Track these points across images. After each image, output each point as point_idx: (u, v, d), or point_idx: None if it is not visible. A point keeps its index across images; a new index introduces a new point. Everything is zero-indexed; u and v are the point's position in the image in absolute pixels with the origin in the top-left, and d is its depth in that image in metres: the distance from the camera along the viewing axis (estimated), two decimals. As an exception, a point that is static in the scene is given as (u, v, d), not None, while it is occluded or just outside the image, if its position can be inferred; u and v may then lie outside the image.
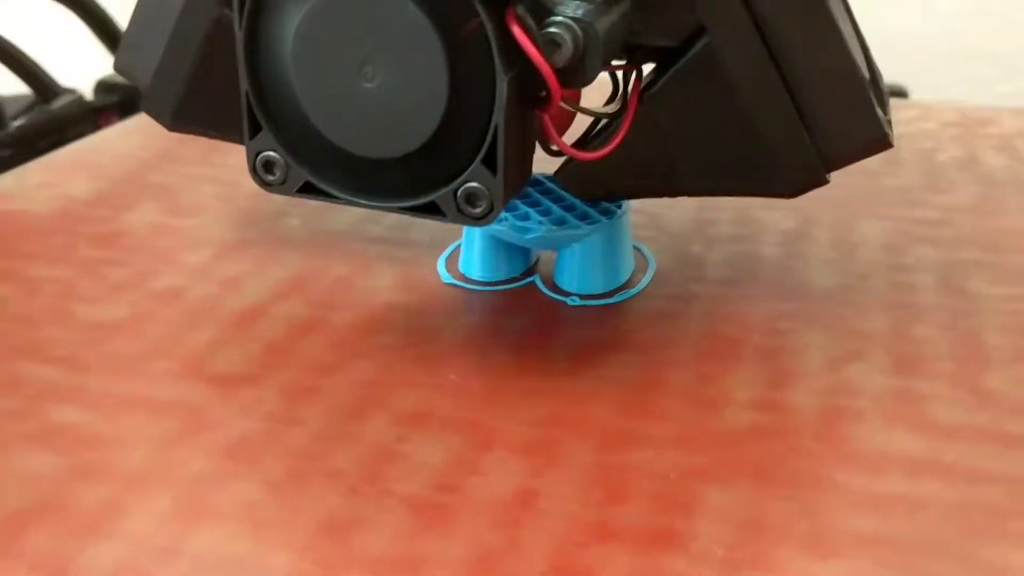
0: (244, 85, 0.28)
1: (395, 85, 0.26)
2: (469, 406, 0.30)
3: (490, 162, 0.26)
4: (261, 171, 0.29)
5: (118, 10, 0.80)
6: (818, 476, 0.27)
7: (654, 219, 0.42)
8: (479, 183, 0.27)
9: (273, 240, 0.41)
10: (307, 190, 0.29)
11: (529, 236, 0.35)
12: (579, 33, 0.25)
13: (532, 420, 0.29)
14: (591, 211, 0.36)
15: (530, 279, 0.37)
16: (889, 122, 0.32)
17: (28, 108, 0.62)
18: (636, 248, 0.39)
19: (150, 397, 0.30)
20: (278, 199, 0.45)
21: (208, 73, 0.32)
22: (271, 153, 0.29)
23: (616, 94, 0.34)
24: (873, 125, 0.30)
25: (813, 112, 0.30)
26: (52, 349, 0.33)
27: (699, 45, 0.30)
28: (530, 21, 0.25)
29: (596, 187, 0.34)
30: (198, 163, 0.50)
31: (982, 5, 1.11)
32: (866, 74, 0.31)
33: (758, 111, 0.30)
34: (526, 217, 0.36)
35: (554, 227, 0.35)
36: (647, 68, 0.32)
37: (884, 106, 0.33)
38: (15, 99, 0.66)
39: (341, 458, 0.28)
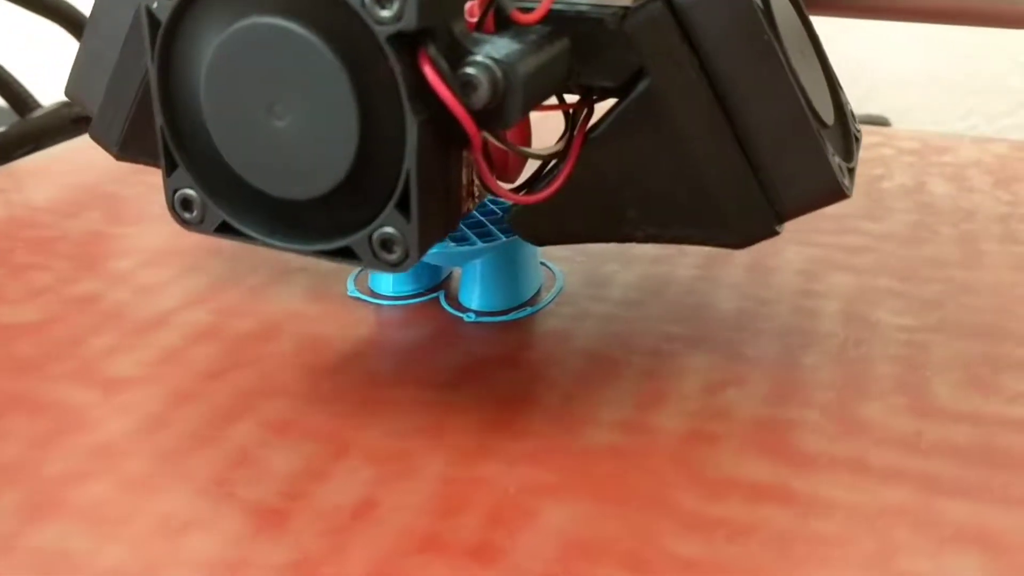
0: (159, 120, 0.28)
1: (305, 125, 0.25)
2: (335, 416, 0.30)
3: (404, 207, 0.26)
4: (179, 209, 0.29)
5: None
6: (658, 498, 0.27)
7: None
8: (394, 228, 0.26)
9: (203, 249, 0.42)
10: (225, 229, 0.28)
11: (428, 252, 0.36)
12: (498, 75, 0.24)
13: (393, 432, 0.30)
14: (494, 229, 0.37)
15: (435, 295, 0.38)
16: (851, 170, 0.30)
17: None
18: (547, 266, 0.40)
19: (34, 397, 0.31)
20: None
21: (151, 107, 0.32)
22: (189, 191, 0.28)
23: (565, 133, 0.32)
24: (825, 175, 0.29)
25: (762, 160, 0.29)
26: (-44, 348, 0.34)
27: (640, 87, 0.29)
28: (443, 62, 0.24)
29: (543, 231, 0.32)
30: (156, 174, 0.51)
31: (996, 42, 1.10)
32: (824, 120, 0.30)
33: (704, 158, 0.29)
34: (430, 233, 0.37)
35: (452, 244, 0.36)
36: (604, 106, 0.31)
37: (849, 152, 0.32)
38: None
39: (198, 461, 0.28)
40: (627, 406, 0.31)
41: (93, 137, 0.35)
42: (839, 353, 0.34)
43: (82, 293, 0.38)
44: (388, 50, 0.24)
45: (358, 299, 0.38)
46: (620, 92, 0.29)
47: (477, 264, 0.37)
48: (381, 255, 0.26)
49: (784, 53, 0.28)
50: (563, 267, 0.40)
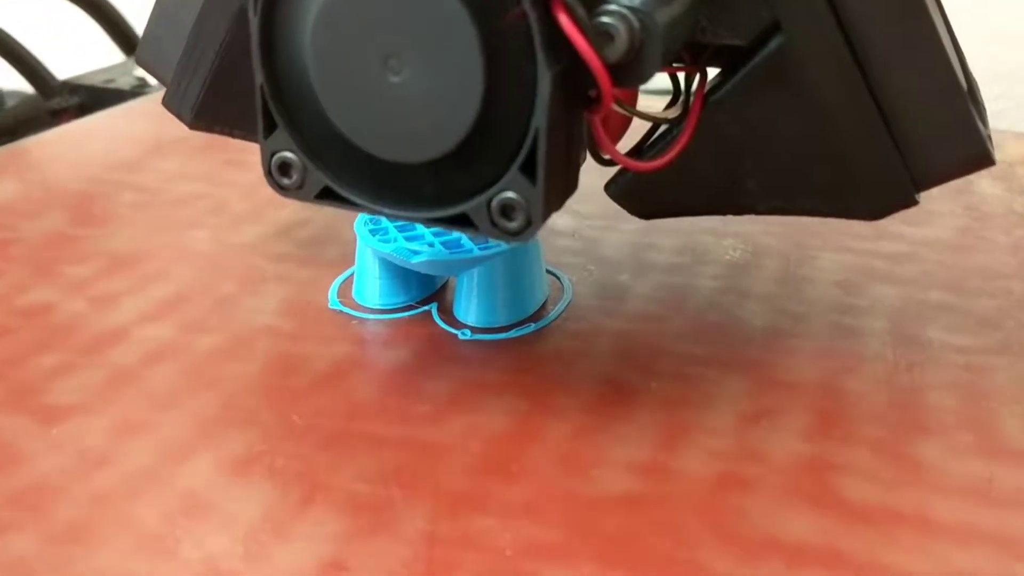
0: (259, 78, 0.25)
1: (424, 80, 0.23)
2: (303, 453, 0.26)
3: (529, 170, 0.23)
4: (276, 174, 0.26)
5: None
6: (681, 561, 0.22)
7: (589, 243, 0.38)
8: (516, 193, 0.23)
9: (172, 253, 0.38)
10: (326, 196, 0.26)
11: (416, 260, 0.31)
12: (635, 25, 0.22)
13: (370, 475, 0.25)
14: (494, 234, 0.32)
15: (427, 307, 0.33)
16: (990, 137, 0.28)
17: None
18: (554, 275, 0.35)
19: (-40, 427, 0.27)
20: (194, 209, 0.42)
21: (231, 70, 0.30)
22: (288, 154, 0.26)
23: (677, 98, 0.30)
24: (975, 141, 0.26)
25: (905, 126, 0.26)
26: None
27: (772, 44, 0.26)
28: (580, 10, 0.22)
29: (653, 204, 0.30)
30: (129, 169, 0.47)
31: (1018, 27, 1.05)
32: (965, 84, 0.27)
33: (839, 122, 0.27)
34: (419, 237, 0.32)
35: (444, 250, 0.31)
36: (712, 73, 0.29)
37: (983, 119, 0.29)
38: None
39: (140, 508, 0.24)
40: (645, 444, 0.26)
41: (166, 105, 0.32)
42: (888, 379, 0.29)
43: (32, 303, 0.34)
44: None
45: (340, 312, 0.33)
46: (743, 53, 0.27)
47: (474, 273, 0.32)
48: (500, 222, 0.24)
49: (931, 10, 0.25)
50: (572, 276, 0.36)
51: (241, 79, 0.29)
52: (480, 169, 0.24)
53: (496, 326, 0.32)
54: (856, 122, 0.26)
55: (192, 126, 0.32)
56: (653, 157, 0.27)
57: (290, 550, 0.23)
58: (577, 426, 0.27)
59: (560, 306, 0.34)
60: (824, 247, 0.38)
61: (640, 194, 0.30)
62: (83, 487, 0.25)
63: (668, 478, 0.25)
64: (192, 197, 0.43)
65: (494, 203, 0.24)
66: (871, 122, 0.26)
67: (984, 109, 0.30)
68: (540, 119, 0.22)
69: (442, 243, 0.32)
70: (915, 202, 0.28)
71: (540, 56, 0.22)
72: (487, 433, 0.27)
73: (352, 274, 0.35)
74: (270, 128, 0.26)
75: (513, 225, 0.24)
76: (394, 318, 0.33)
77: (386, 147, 0.24)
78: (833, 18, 0.25)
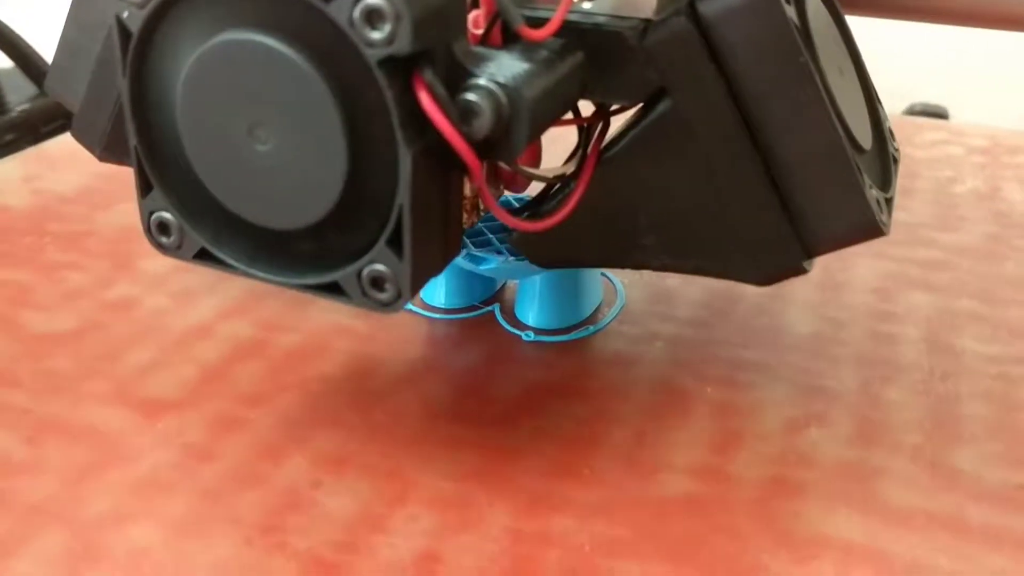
0: (132, 139, 0.25)
1: (290, 151, 0.23)
2: (391, 453, 0.28)
3: (397, 244, 0.23)
4: (156, 233, 0.26)
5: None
6: (741, 560, 0.25)
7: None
8: (385, 266, 0.23)
9: None
10: (204, 256, 0.26)
11: (484, 267, 0.34)
12: (503, 100, 0.22)
13: (454, 474, 0.28)
14: (554, 242, 0.34)
15: (490, 308, 0.36)
16: (889, 201, 0.28)
17: (36, 96, 0.62)
18: (608, 279, 0.38)
19: (72, 422, 0.30)
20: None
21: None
22: (165, 214, 0.26)
23: (578, 150, 0.29)
24: (862, 211, 0.26)
25: (792, 192, 0.26)
26: (-12, 361, 0.33)
27: (661, 107, 0.26)
28: (439, 88, 0.22)
29: (549, 255, 0.30)
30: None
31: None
32: (860, 145, 0.27)
33: (729, 186, 0.26)
34: (486, 244, 0.34)
35: (512, 258, 0.33)
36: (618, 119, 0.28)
37: (887, 179, 0.29)
38: (20, 83, 0.66)
39: (246, 503, 0.26)
40: (702, 448, 0.29)
41: (75, 136, 0.32)
42: (925, 388, 0.32)
43: (118, 297, 0.37)
44: (379, 74, 0.21)
45: (409, 312, 0.36)
46: (643, 107, 0.27)
47: (536, 279, 0.34)
48: (371, 293, 0.24)
49: (822, 75, 0.25)
50: (624, 278, 0.38)
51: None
52: (352, 237, 0.24)
53: (556, 328, 0.34)
54: (745, 186, 0.26)
55: (101, 159, 0.32)
56: (549, 212, 0.27)
57: (388, 543, 0.25)
58: (637, 431, 0.30)
59: (614, 310, 0.36)
60: (862, 252, 0.40)
61: (537, 246, 0.30)
62: (192, 482, 0.27)
63: (725, 481, 0.27)
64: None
65: (364, 274, 0.23)
66: (759, 187, 0.26)
67: (895, 163, 0.30)
68: (404, 196, 0.22)
69: (509, 251, 0.34)
70: (804, 270, 0.27)
71: (399, 135, 0.22)
72: (556, 437, 0.29)
73: (415, 274, 0.37)
74: (147, 188, 0.26)
75: (384, 296, 0.24)
76: (459, 319, 0.35)
77: (255, 213, 0.24)
78: (721, 84, 0.25)
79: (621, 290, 0.37)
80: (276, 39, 0.22)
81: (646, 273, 0.38)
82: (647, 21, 0.25)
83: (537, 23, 0.24)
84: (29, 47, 0.66)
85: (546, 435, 0.29)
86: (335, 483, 0.27)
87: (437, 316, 0.35)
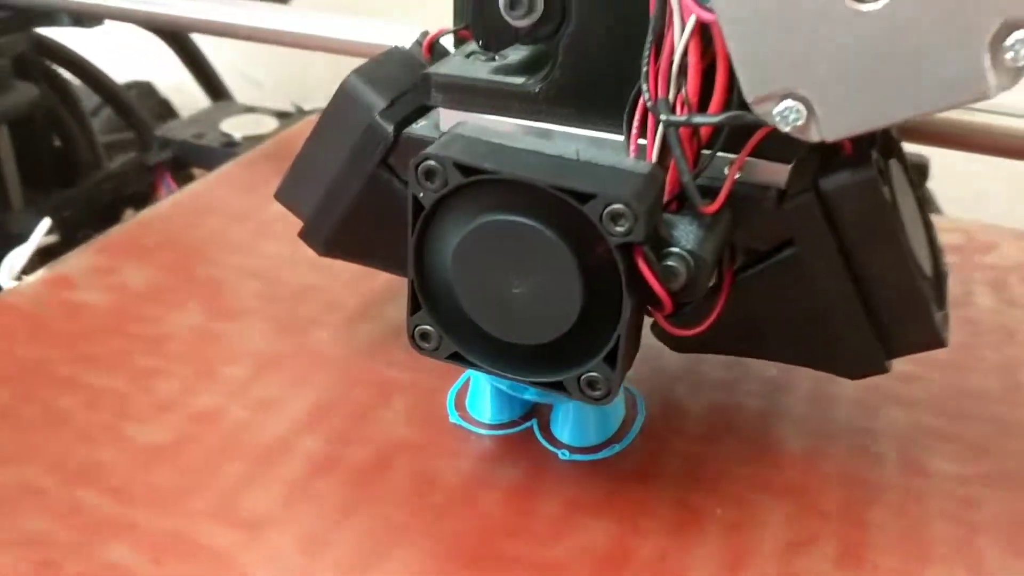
0: (412, 275, 0.34)
1: (539, 294, 0.32)
2: (456, 571, 0.34)
3: (611, 360, 0.32)
4: (418, 339, 0.35)
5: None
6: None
7: (646, 352, 0.46)
8: (600, 374, 0.32)
9: (305, 356, 0.45)
10: (456, 357, 0.35)
11: (527, 396, 0.39)
12: (692, 264, 0.31)
13: (512, 591, 0.34)
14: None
15: (529, 424, 0.41)
16: (946, 316, 0.37)
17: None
18: (629, 391, 0.43)
19: (187, 538, 0.35)
20: (311, 304, 0.50)
21: (359, 217, 0.39)
22: (427, 327, 0.34)
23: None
24: (931, 332, 0.36)
25: (881, 317, 0.35)
26: (108, 477, 0.38)
27: (787, 252, 0.34)
28: (654, 261, 0.31)
29: (690, 346, 0.38)
30: (243, 252, 0.54)
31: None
32: (926, 272, 0.36)
33: (833, 308, 0.35)
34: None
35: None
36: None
37: (942, 296, 0.38)
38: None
39: (344, 620, 0.32)
40: (717, 566, 0.35)
41: (302, 237, 0.42)
42: (901, 509, 0.38)
43: (205, 408, 0.42)
44: (617, 255, 0.30)
45: (458, 425, 0.41)
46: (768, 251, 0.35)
47: (570, 403, 0.40)
48: (587, 392, 0.33)
49: (905, 234, 0.34)
50: (640, 388, 0.43)
51: (366, 226, 0.39)
52: (575, 350, 0.33)
53: (588, 445, 0.40)
54: (844, 310, 0.35)
55: (322, 255, 0.41)
56: (697, 321, 0.36)
57: (463, 659, 0.31)
58: (661, 548, 0.35)
59: (636, 425, 0.42)
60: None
61: (678, 339, 0.37)
62: (295, 597, 0.33)
63: (735, 599, 0.33)
64: (306, 290, 0.51)
65: (583, 379, 0.33)
66: (855, 311, 0.35)
67: (945, 279, 0.39)
68: (622, 329, 0.31)
69: (548, 381, 0.40)
70: (885, 370, 0.37)
71: (626, 292, 0.31)
72: (589, 554, 0.35)
73: (463, 383, 0.43)
74: (416, 308, 0.34)
75: (596, 394, 0.33)
76: (502, 434, 0.41)
77: (507, 333, 0.33)
78: (834, 240, 0.34)
79: (641, 404, 0.43)
80: (535, 221, 0.31)
81: (660, 383, 0.44)
82: (781, 191, 0.33)
83: (702, 191, 0.32)
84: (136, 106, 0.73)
85: (582, 553, 0.35)
86: (414, 600, 0.33)
87: (484, 432, 0.41)
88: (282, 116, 0.78)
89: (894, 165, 0.37)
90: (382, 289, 0.51)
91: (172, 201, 0.62)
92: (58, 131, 0.73)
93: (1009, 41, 0.26)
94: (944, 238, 0.60)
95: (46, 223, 0.57)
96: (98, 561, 0.34)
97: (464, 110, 0.36)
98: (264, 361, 0.45)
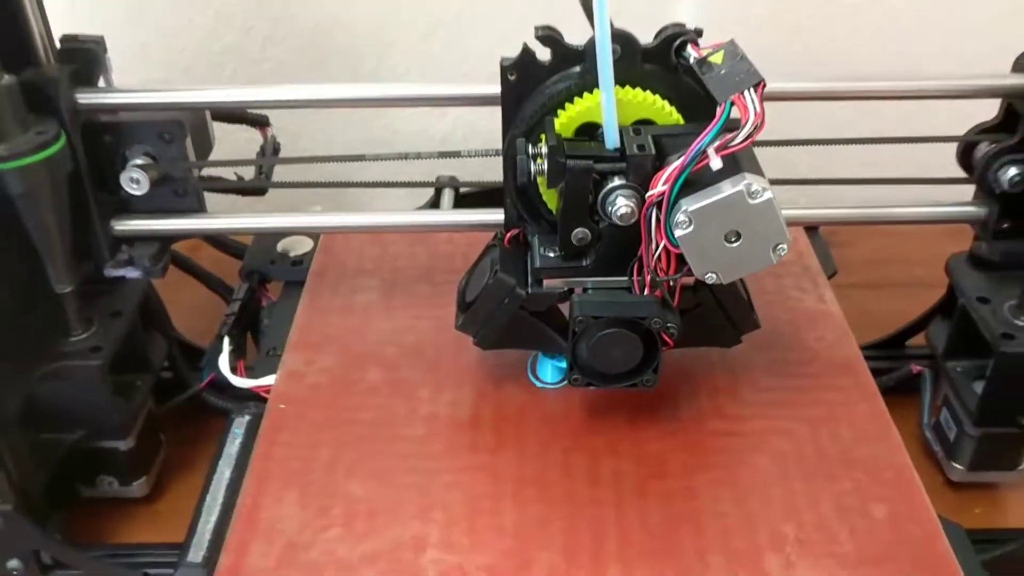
0: (569, 358, 0.71)
1: (624, 353, 0.69)
2: (556, 450, 0.77)
3: (655, 371, 0.73)
4: (571, 380, 0.71)
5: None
6: None
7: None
8: (651, 378, 0.73)
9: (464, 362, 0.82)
10: (585, 384, 0.70)
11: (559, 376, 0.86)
12: (676, 332, 0.71)
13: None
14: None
15: (563, 382, 0.84)
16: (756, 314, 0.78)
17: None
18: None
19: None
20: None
21: (511, 328, 0.73)
22: (576, 376, 0.71)
23: None
24: (753, 320, 0.75)
25: (731, 316, 0.73)
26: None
27: (698, 309, 0.72)
28: (668, 332, 0.71)
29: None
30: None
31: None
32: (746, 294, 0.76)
33: (714, 318, 0.73)
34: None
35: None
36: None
37: (752, 306, 0.76)
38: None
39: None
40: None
41: (467, 332, 0.74)
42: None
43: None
44: (656, 334, 0.71)
45: (533, 383, 0.85)
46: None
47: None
48: (645, 385, 0.72)
49: (735, 285, 0.74)
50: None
51: (516, 332, 0.73)
52: (637, 371, 0.72)
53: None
54: (718, 317, 0.71)
55: (484, 348, 0.74)
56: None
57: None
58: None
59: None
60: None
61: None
62: None
63: None
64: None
65: (645, 381, 0.72)
66: (723, 316, 0.71)
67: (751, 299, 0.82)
68: (660, 358, 0.74)
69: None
70: (740, 341, 0.76)
71: (660, 348, 0.75)
72: (601, 425, 0.78)
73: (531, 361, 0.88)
74: (571, 368, 0.71)
75: (649, 386, 0.75)
76: (554, 387, 0.86)
77: (610, 369, 0.71)
78: (713, 301, 0.73)
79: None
80: (626, 329, 0.69)
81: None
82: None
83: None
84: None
85: (600, 424, 0.81)
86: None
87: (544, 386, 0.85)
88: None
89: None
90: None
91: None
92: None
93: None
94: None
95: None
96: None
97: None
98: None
